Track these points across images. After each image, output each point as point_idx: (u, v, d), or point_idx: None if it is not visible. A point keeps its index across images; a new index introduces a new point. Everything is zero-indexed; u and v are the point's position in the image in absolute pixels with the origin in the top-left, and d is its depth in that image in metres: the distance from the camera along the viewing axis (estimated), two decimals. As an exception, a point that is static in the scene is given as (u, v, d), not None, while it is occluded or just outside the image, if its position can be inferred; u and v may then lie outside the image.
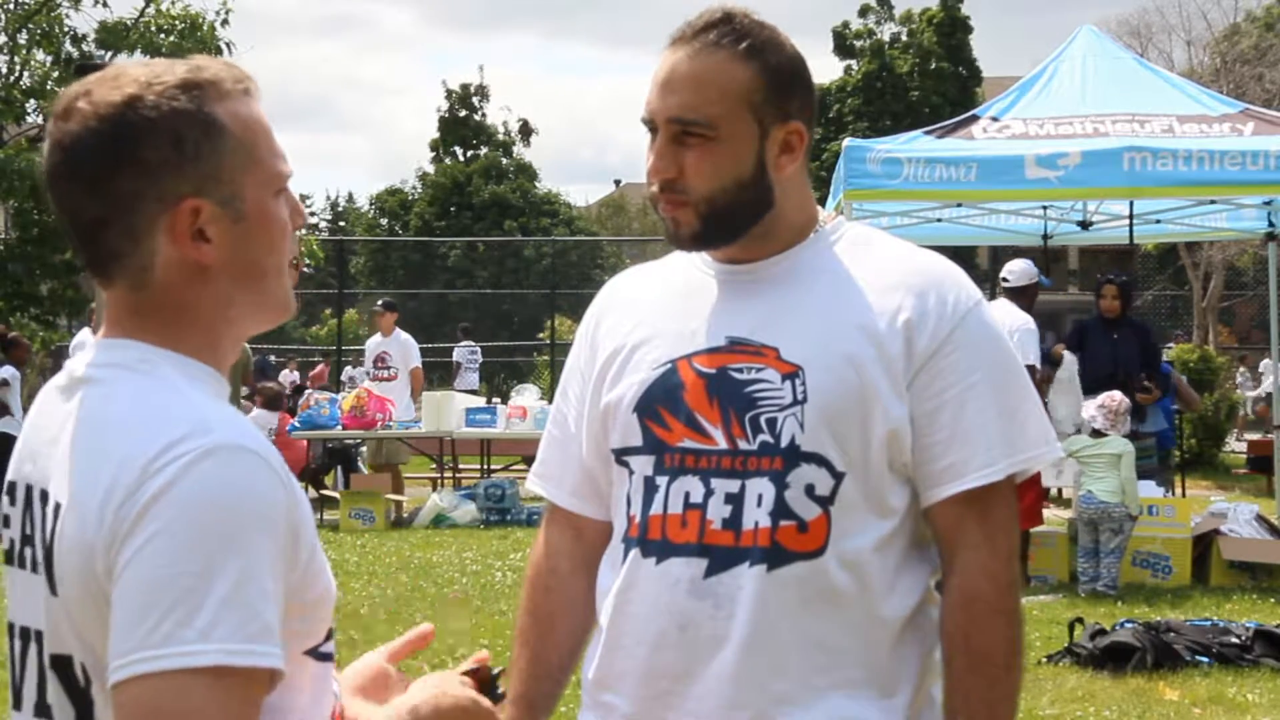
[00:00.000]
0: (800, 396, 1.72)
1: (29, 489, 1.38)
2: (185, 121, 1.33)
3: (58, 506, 1.30)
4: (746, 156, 1.75)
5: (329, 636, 1.41)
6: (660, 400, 1.78)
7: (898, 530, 1.76)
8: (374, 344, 13.18)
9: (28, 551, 1.37)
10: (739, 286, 1.81)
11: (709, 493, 1.73)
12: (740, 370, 1.75)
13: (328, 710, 1.41)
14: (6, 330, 12.30)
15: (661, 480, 1.77)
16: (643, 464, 1.79)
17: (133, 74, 1.35)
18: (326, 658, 1.40)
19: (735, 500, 1.72)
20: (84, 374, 1.37)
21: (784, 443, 1.71)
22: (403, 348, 13.03)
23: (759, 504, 1.71)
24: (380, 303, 13.52)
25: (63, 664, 1.32)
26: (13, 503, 1.42)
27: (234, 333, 1.42)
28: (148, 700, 1.18)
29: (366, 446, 13.01)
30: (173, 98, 1.33)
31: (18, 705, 1.40)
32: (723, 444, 1.74)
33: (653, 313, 1.86)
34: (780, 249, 1.81)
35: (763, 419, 1.73)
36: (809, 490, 1.71)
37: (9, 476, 1.43)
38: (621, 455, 1.83)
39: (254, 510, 1.24)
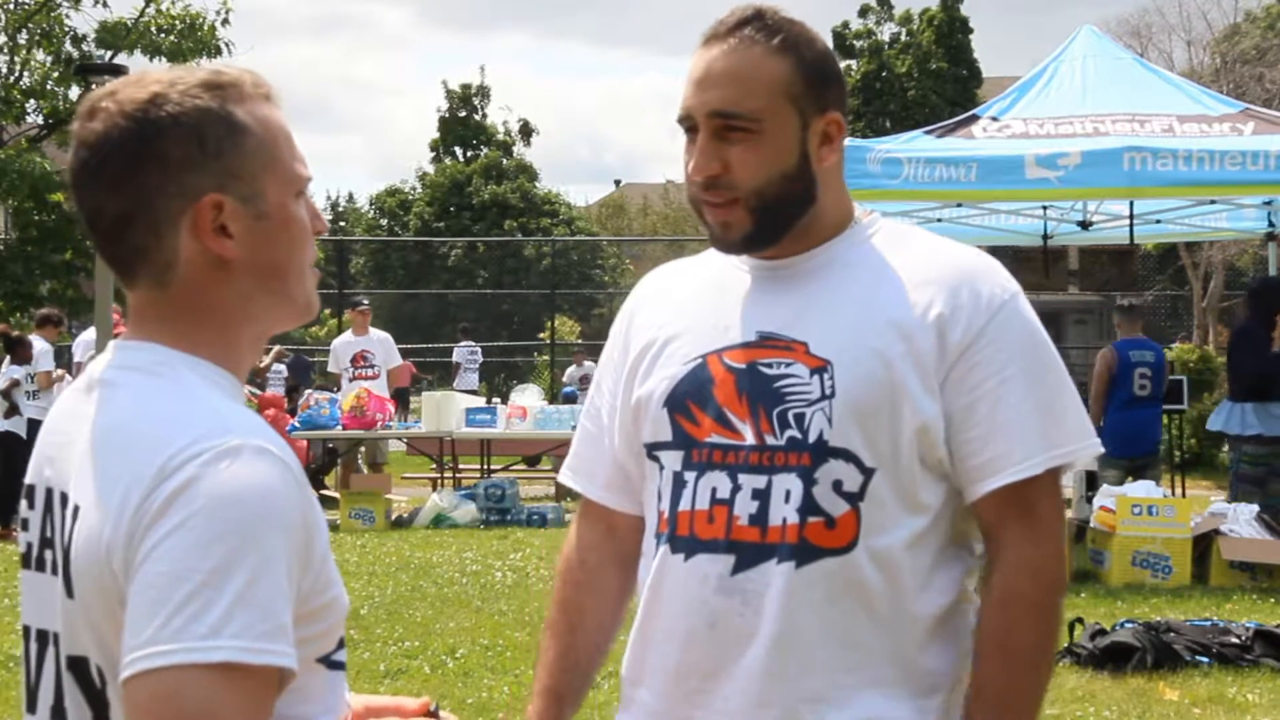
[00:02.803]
0: (828, 391, 1.71)
1: (49, 492, 1.39)
2: (208, 119, 1.35)
3: (76, 509, 1.31)
4: (791, 149, 1.74)
5: (340, 645, 1.41)
6: (690, 395, 1.78)
7: (931, 527, 1.74)
8: (348, 344, 13.06)
9: (47, 554, 1.38)
10: (772, 281, 1.81)
11: (736, 488, 1.72)
12: (770, 365, 1.74)
13: (339, 718, 1.41)
14: (9, 329, 12.26)
15: (690, 475, 1.76)
16: (672, 459, 1.79)
17: (156, 75, 1.38)
18: (338, 666, 1.41)
19: (762, 496, 1.71)
20: (102, 376, 1.38)
21: (812, 438, 1.70)
22: (383, 346, 12.98)
23: (786, 500, 1.70)
24: (364, 303, 13.45)
25: (79, 666, 1.33)
26: (31, 506, 1.42)
27: (254, 331, 1.44)
28: (157, 695, 1.18)
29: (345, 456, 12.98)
30: (196, 96, 1.36)
31: (32, 708, 1.40)
32: (750, 439, 1.73)
33: (685, 307, 1.86)
34: (816, 244, 1.80)
35: (790, 414, 1.72)
36: (837, 486, 1.70)
37: (28, 479, 1.44)
38: (652, 450, 1.82)
39: (271, 510, 1.25)
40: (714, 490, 1.73)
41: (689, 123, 1.76)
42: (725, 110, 1.72)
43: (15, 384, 11.66)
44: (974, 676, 1.73)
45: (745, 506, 1.71)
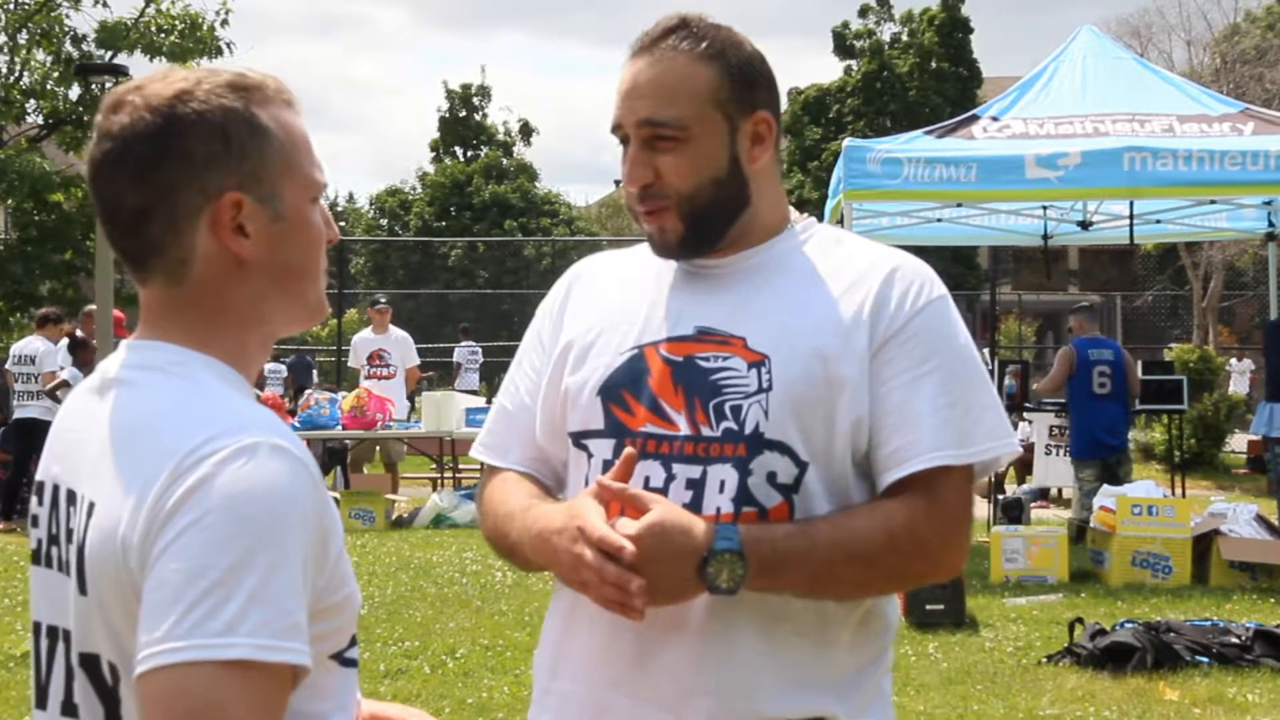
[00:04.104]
0: (766, 384, 1.73)
1: (56, 489, 1.40)
2: (232, 118, 1.37)
3: (91, 506, 1.31)
4: (720, 153, 1.77)
5: (353, 642, 1.42)
6: (624, 385, 1.79)
7: None
8: (366, 340, 13.08)
9: (55, 551, 1.39)
10: (710, 279, 1.83)
11: (670, 477, 1.73)
12: (707, 359, 1.76)
13: (351, 715, 1.42)
14: (74, 330, 12.17)
15: None
16: (602, 447, 1.79)
17: (182, 73, 1.40)
18: (350, 663, 1.42)
19: (696, 486, 1.72)
20: (117, 375, 1.39)
21: (748, 430, 1.72)
22: (401, 345, 12.97)
23: (721, 490, 1.71)
24: (381, 301, 13.47)
25: (91, 663, 1.33)
26: (40, 503, 1.43)
27: (265, 332, 1.45)
28: (172, 691, 1.18)
29: (357, 447, 13.03)
30: (221, 95, 1.37)
31: (42, 704, 1.41)
32: (685, 430, 1.74)
33: (621, 298, 1.87)
34: (751, 245, 1.83)
35: (727, 406, 1.73)
36: (771, 478, 1.72)
37: (39, 476, 1.45)
38: (580, 438, 1.82)
39: (287, 508, 1.25)
40: (647, 479, 1.74)
41: (621, 133, 1.80)
42: (652, 118, 1.75)
43: (65, 385, 11.57)
44: (844, 512, 1.72)
45: (679, 496, 1.72)
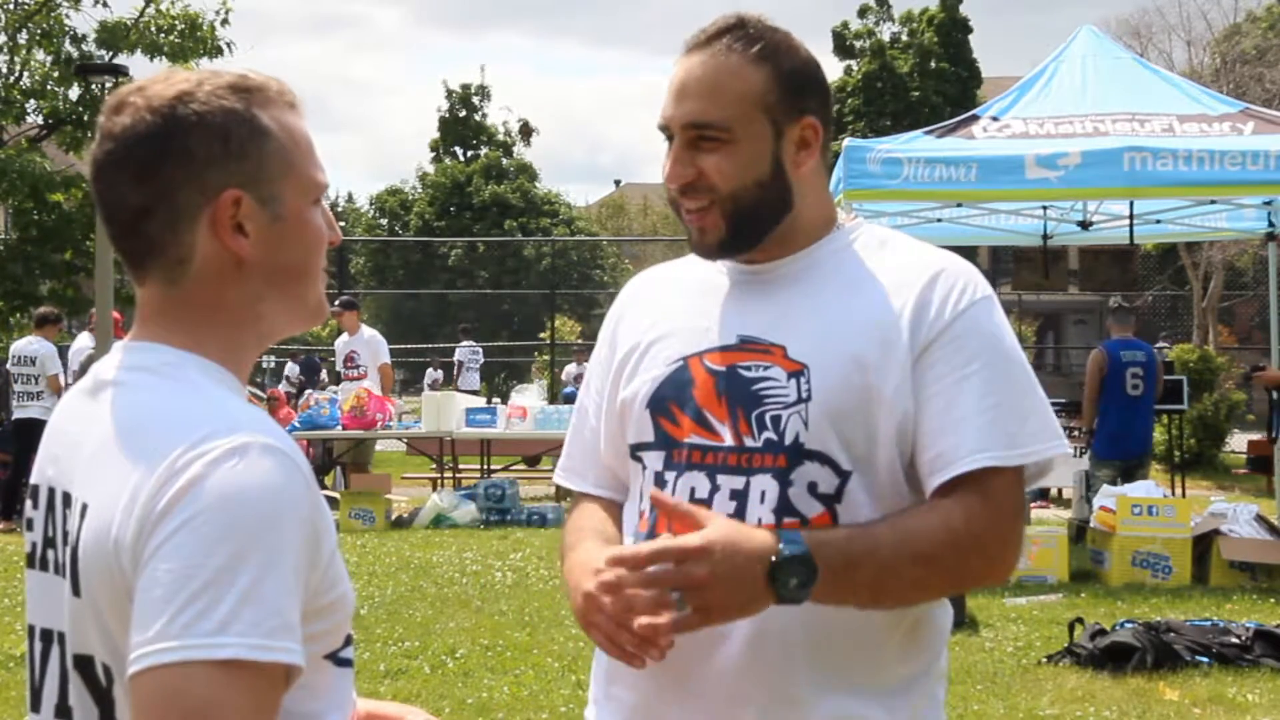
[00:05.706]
0: (805, 395, 1.73)
1: (51, 491, 1.40)
2: (233, 119, 1.38)
3: (84, 508, 1.32)
4: (763, 157, 1.77)
5: (348, 642, 1.42)
6: (671, 397, 1.81)
7: None
8: (341, 344, 13.07)
9: (50, 554, 1.39)
10: (754, 286, 1.83)
11: (714, 489, 1.75)
12: (749, 368, 1.77)
13: (346, 716, 1.42)
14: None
15: (670, 475, 1.79)
16: (654, 459, 1.82)
17: (184, 75, 1.41)
18: (346, 663, 1.42)
19: (740, 496, 1.73)
20: (110, 377, 1.39)
21: (788, 440, 1.72)
22: (369, 345, 12.92)
23: (762, 500, 1.72)
24: (339, 301, 13.32)
25: (85, 665, 1.33)
26: (35, 506, 1.43)
27: (259, 331, 1.45)
28: (164, 691, 1.18)
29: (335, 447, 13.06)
30: (222, 97, 1.38)
31: (36, 707, 1.41)
32: (729, 440, 1.75)
33: (669, 310, 1.88)
34: (797, 249, 1.82)
35: (768, 416, 1.74)
36: (812, 488, 1.72)
37: (33, 479, 1.45)
38: (636, 450, 1.85)
39: (279, 508, 1.25)
40: (693, 490, 1.75)
41: (667, 132, 1.80)
42: (696, 121, 1.75)
43: None
44: (903, 514, 1.70)
45: (723, 506, 1.73)
